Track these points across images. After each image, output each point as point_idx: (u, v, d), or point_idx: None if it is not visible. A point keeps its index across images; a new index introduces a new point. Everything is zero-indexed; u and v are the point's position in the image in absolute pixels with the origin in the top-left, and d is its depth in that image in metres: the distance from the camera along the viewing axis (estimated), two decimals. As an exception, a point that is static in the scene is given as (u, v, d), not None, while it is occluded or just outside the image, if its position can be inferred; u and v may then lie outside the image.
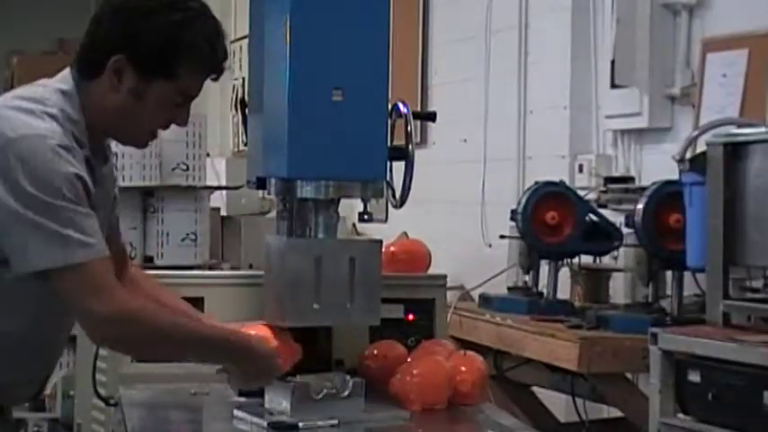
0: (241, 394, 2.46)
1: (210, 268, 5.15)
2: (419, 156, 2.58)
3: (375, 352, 2.59)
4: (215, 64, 2.14)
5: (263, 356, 2.20)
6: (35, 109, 2.03)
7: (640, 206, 3.60)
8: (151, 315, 2.07)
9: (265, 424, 2.21)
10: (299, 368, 2.31)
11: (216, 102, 9.12)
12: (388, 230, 4.88)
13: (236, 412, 2.31)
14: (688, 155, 3.46)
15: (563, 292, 4.08)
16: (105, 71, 2.08)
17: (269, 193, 2.45)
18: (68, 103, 2.08)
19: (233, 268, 5.36)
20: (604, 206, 4.09)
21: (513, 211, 3.99)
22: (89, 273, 1.97)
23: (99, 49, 2.09)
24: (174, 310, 2.29)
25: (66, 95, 2.09)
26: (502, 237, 4.26)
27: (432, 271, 3.00)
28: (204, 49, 2.10)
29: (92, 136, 2.12)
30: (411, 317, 2.76)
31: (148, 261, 5.44)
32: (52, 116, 2.03)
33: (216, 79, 2.17)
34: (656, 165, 4.23)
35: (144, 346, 2.12)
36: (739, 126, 3.49)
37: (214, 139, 7.88)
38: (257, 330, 2.32)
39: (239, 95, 9.00)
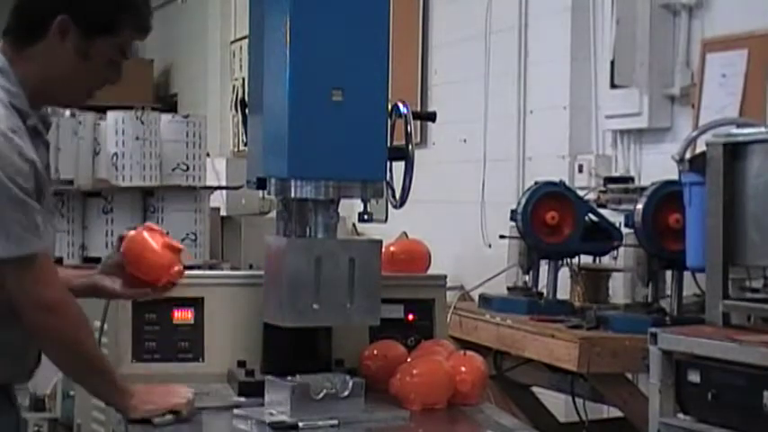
0: (241, 394, 2.46)
1: (210, 268, 5.15)
2: (419, 156, 2.58)
3: (375, 352, 2.59)
4: (148, 21, 2.19)
5: (130, 409, 2.19)
6: None
7: (640, 206, 3.60)
8: (75, 312, 2.12)
9: (266, 424, 2.21)
10: (299, 368, 2.31)
11: (216, 102, 9.13)
12: (388, 230, 4.88)
13: (236, 411, 2.31)
14: (687, 155, 3.46)
15: (563, 293, 4.07)
16: (49, 33, 2.07)
17: (269, 194, 2.45)
18: (5, 79, 2.08)
19: (233, 268, 5.36)
20: (604, 206, 4.09)
21: (512, 212, 3.99)
22: (37, 264, 2.05)
23: (40, 12, 2.08)
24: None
25: (2, 72, 2.08)
26: (501, 237, 4.25)
27: (431, 271, 3.00)
28: (140, 6, 2.16)
29: (32, 105, 2.11)
30: (411, 317, 2.76)
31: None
32: None
33: (143, 38, 2.20)
34: (656, 165, 4.23)
35: (62, 340, 2.12)
36: (739, 126, 3.49)
37: (214, 140, 7.89)
38: (147, 231, 2.35)
39: (239, 96, 9.02)
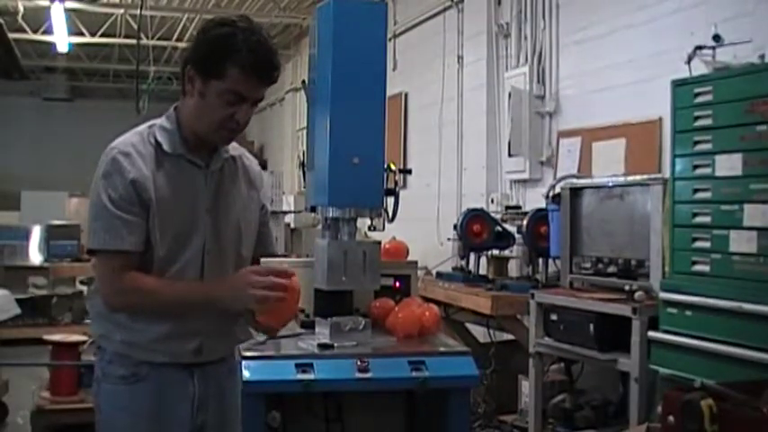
0: (302, 327, 2.43)
1: (284, 257, 5.13)
2: (402, 194, 2.57)
3: (377, 304, 2.54)
4: (256, 65, 1.56)
5: (225, 290, 1.64)
6: (137, 129, 1.64)
7: (525, 222, 3.62)
8: (143, 292, 1.60)
9: (315, 344, 2.20)
10: (334, 313, 2.30)
11: (289, 164, 9.13)
12: (384, 235, 4.86)
13: (299, 337, 2.29)
14: (551, 194, 3.48)
15: (483, 270, 4.08)
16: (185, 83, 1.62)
17: (317, 215, 2.43)
18: (165, 121, 1.66)
19: (298, 257, 5.35)
20: (505, 222, 4.10)
21: (455, 225, 4.00)
22: (102, 258, 1.58)
23: (182, 68, 1.62)
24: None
25: (166, 117, 1.67)
26: (449, 239, 4.27)
27: (410, 258, 2.99)
28: (244, 53, 1.54)
29: (188, 141, 1.66)
30: (397, 284, 2.70)
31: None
32: (138, 132, 1.63)
33: (267, 82, 1.60)
34: (534, 199, 4.25)
35: (143, 308, 1.64)
36: (577, 178, 3.51)
37: (288, 185, 7.90)
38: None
39: (301, 160, 8.98)
